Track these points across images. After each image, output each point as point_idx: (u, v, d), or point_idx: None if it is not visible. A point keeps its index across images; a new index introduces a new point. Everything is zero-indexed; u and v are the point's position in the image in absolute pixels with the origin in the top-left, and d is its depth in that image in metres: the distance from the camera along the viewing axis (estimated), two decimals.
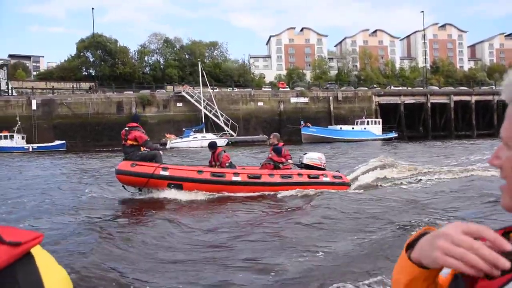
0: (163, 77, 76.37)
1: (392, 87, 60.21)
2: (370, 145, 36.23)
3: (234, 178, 10.10)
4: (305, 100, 47.50)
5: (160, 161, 10.10)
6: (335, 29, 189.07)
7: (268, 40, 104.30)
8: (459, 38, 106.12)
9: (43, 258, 0.60)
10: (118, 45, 77.30)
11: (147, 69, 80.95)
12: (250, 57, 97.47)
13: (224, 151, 10.98)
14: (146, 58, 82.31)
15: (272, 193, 10.09)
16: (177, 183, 9.81)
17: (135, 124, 10.15)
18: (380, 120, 47.30)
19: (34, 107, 42.77)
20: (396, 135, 47.19)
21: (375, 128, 46.06)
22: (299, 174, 10.58)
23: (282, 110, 46.61)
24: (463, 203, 8.18)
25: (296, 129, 44.32)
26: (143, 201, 9.65)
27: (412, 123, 52.35)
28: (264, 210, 8.52)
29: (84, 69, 79.19)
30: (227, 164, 10.59)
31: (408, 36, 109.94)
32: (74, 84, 70.42)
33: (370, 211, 7.81)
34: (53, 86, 63.01)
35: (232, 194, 9.96)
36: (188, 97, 44.24)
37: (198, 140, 38.29)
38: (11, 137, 39.94)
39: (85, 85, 71.22)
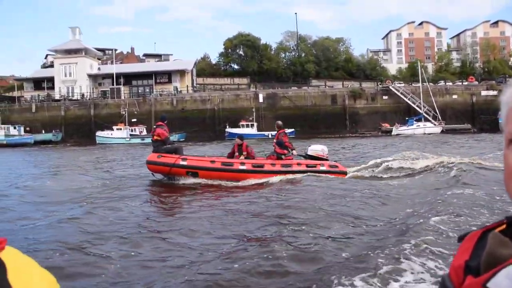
0: (302, 72, 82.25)
1: None
2: None
3: (241, 167, 11.86)
4: (494, 93, 51.21)
5: (181, 153, 12.18)
6: (451, 22, 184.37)
7: (387, 34, 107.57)
8: None
9: (17, 263, 0.57)
10: (261, 43, 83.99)
11: (286, 64, 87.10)
12: (370, 51, 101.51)
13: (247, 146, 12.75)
14: (283, 55, 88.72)
15: (273, 178, 11.62)
16: (194, 171, 11.80)
17: (161, 123, 12.42)
18: None
19: (260, 99, 49.63)
20: None
21: None
22: (298, 164, 12.17)
23: (474, 102, 50.72)
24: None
25: (490, 119, 48.33)
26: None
27: None
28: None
29: (230, 66, 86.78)
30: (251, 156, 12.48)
31: None
32: (231, 80, 78.02)
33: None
34: (223, 85, 70.41)
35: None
36: (395, 90, 49.48)
37: (420, 128, 43.44)
38: (252, 125, 46.95)
39: (239, 80, 78.68)
